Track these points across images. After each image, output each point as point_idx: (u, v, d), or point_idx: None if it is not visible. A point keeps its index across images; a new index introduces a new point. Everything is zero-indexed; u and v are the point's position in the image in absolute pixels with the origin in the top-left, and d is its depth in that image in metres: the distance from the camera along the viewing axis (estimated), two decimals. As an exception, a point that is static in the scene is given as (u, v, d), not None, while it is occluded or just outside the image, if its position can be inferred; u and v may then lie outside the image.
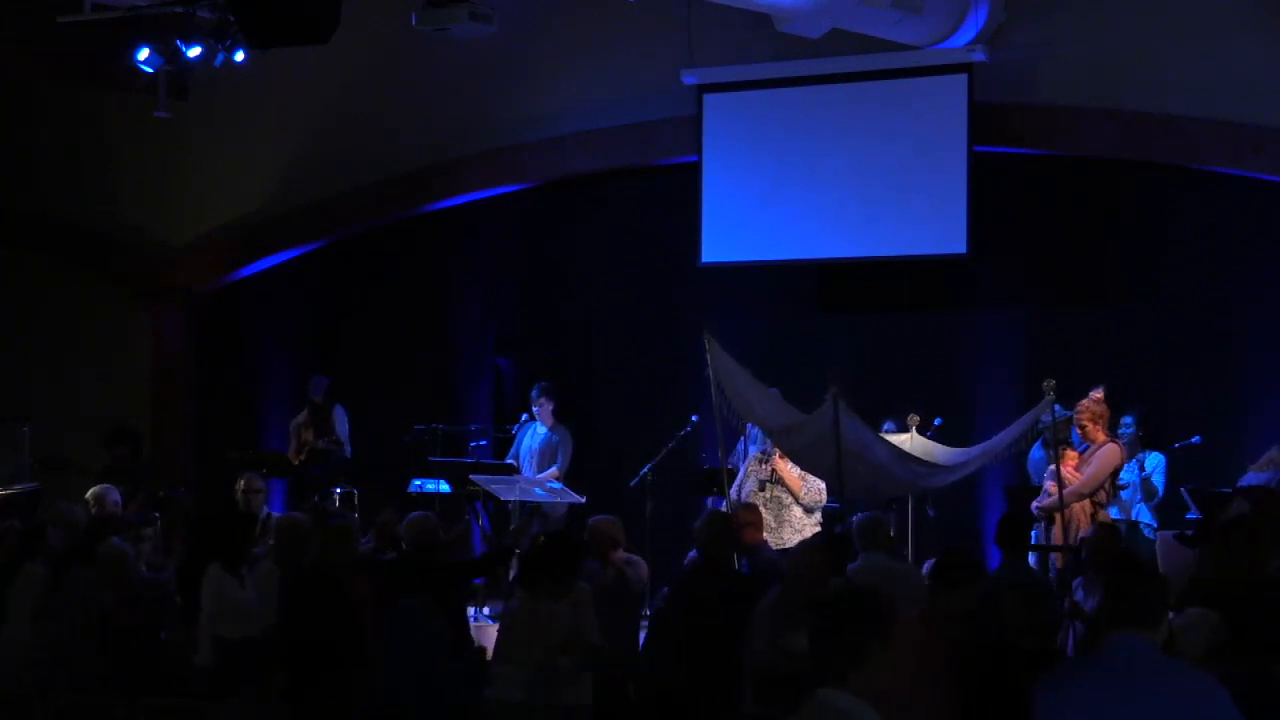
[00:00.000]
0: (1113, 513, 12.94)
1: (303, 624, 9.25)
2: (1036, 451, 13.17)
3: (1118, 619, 5.20)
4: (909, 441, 12.47)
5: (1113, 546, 10.41)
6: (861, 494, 12.19)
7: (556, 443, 15.00)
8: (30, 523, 12.12)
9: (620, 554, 10.65)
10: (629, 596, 10.56)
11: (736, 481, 13.13)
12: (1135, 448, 13.08)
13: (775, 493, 13.02)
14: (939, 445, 12.66)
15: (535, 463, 15.01)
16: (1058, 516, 12.14)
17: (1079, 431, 12.74)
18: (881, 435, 12.13)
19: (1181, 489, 12.95)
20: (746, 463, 13.26)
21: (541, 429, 15.09)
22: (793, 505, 12.87)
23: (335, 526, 9.78)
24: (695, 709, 9.06)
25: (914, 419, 12.81)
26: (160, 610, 10.36)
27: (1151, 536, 12.95)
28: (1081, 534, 12.08)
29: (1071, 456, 12.64)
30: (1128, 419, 13.10)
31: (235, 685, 9.22)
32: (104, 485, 13.09)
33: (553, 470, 14.88)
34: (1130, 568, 5.43)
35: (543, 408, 15.04)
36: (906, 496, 12.89)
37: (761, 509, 12.79)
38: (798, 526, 12.86)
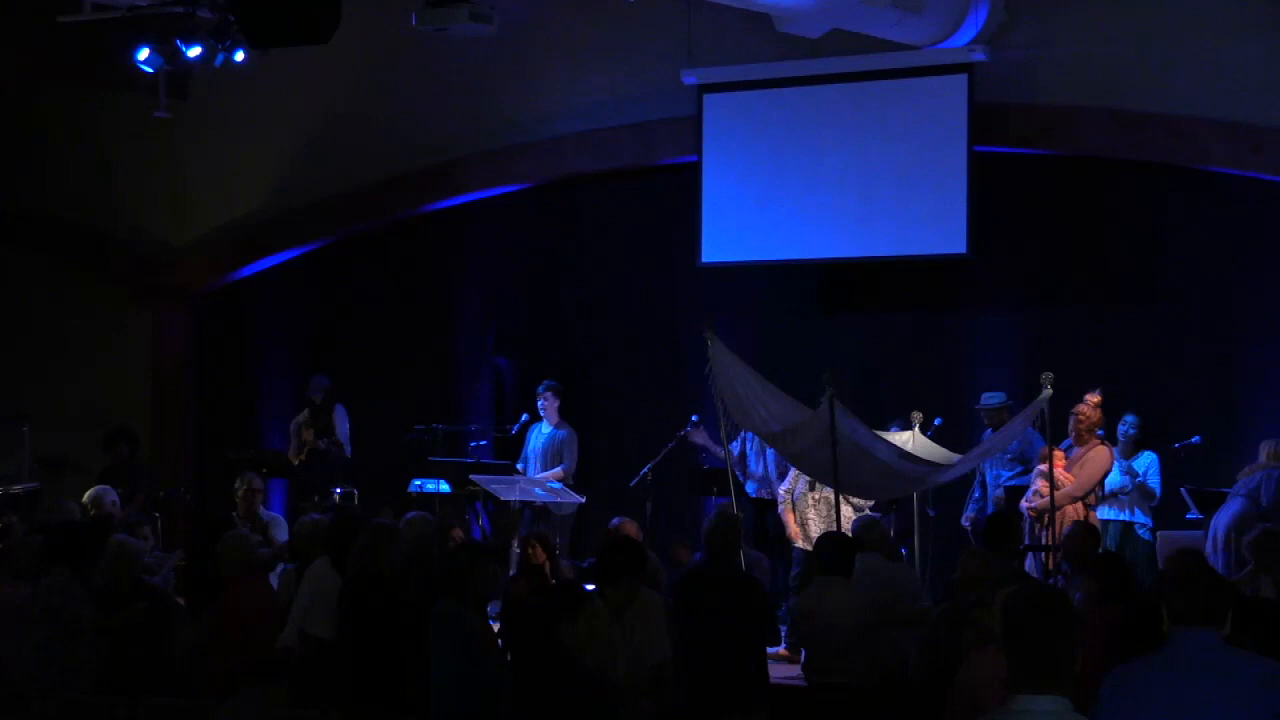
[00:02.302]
0: (1109, 513, 12.96)
1: (351, 630, 9.21)
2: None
3: (1184, 616, 5.52)
4: (911, 441, 12.45)
5: (1090, 544, 10.48)
6: (860, 495, 12.19)
7: (562, 441, 14.99)
8: (36, 524, 12.14)
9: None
10: None
11: (786, 482, 13.15)
12: (1130, 448, 13.07)
13: (825, 492, 13.04)
14: (940, 449, 12.64)
15: (541, 462, 15.02)
16: (1047, 517, 12.16)
17: (1073, 436, 12.75)
18: (880, 435, 12.10)
19: (1181, 489, 12.98)
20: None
21: (546, 428, 15.09)
22: (843, 504, 12.89)
23: (379, 527, 9.70)
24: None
25: (917, 416, 12.78)
26: (162, 610, 10.35)
27: (1147, 537, 12.97)
28: None
29: (1059, 457, 12.63)
30: (1130, 418, 13.08)
31: (309, 681, 9.13)
32: (101, 486, 13.10)
33: (557, 470, 14.88)
34: (1195, 570, 5.71)
35: (548, 404, 15.04)
36: (906, 496, 12.89)
37: (811, 509, 12.83)
38: (846, 526, 12.90)
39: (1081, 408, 12.71)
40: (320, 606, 9.55)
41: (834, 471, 11.10)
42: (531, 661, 7.76)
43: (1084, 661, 4.68)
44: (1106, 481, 12.83)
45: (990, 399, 13.47)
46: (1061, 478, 12.34)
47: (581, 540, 14.69)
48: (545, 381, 15.18)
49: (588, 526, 14.59)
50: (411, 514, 10.94)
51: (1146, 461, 13.06)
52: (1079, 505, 12.53)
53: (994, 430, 13.15)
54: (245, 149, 17.41)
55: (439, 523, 11.34)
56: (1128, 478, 12.90)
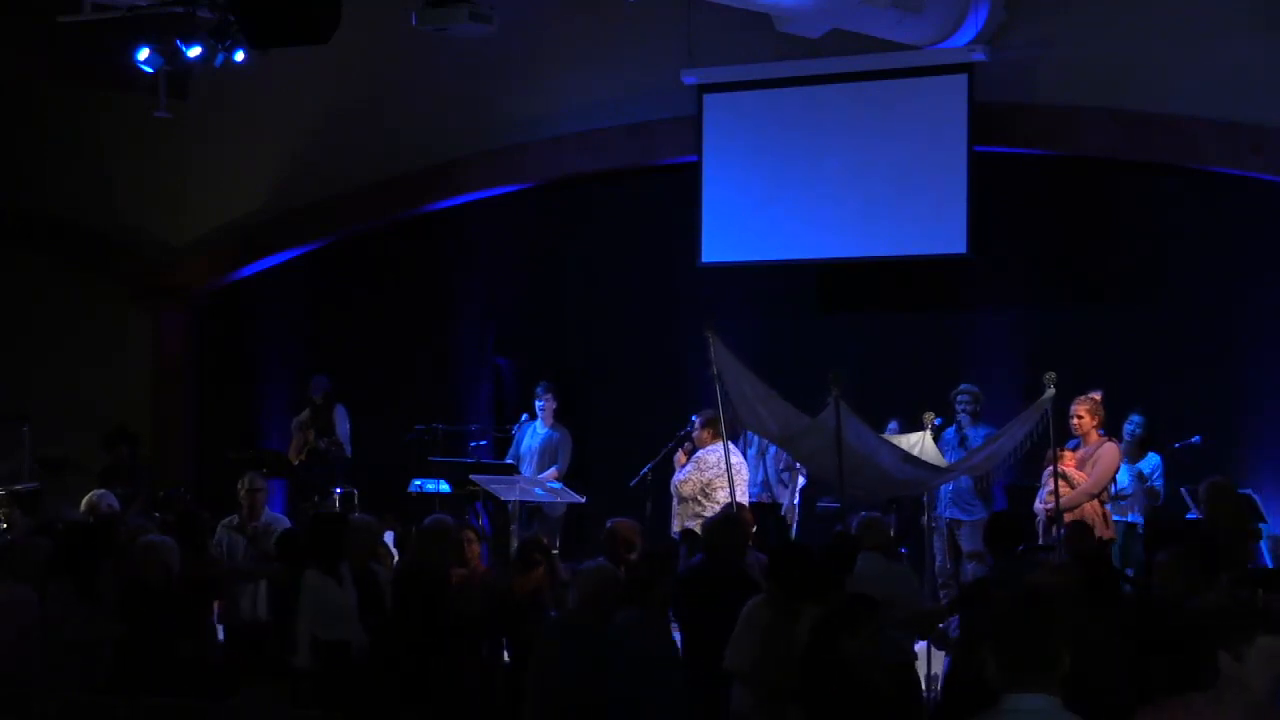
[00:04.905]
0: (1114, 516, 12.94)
1: (392, 635, 9.18)
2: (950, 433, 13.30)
3: None
4: (921, 444, 12.37)
5: (1087, 542, 10.46)
6: (863, 496, 12.17)
7: (557, 442, 15.02)
8: (40, 525, 12.13)
9: (635, 556, 10.68)
10: None
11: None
12: (1136, 449, 13.05)
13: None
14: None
15: (535, 462, 15.03)
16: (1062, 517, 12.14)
17: (1073, 425, 12.73)
18: (885, 437, 12.09)
19: (1182, 489, 12.96)
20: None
21: (542, 428, 15.11)
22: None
23: (430, 529, 9.60)
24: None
25: (929, 417, 12.69)
26: (166, 610, 10.33)
27: None
28: (1098, 534, 12.10)
29: (1068, 456, 12.60)
30: (1136, 417, 13.06)
31: (336, 686, 9.11)
32: (98, 491, 13.07)
33: (553, 470, 14.89)
34: None
35: (546, 405, 15.08)
36: (906, 497, 12.88)
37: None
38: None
39: (1081, 398, 12.68)
40: (325, 613, 9.55)
41: (839, 474, 11.09)
42: (815, 672, 7.65)
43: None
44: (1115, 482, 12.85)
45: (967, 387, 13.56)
46: (1076, 476, 12.34)
47: (573, 541, 14.69)
48: (544, 382, 15.21)
49: (585, 527, 14.58)
50: (432, 516, 10.90)
51: (1153, 464, 13.04)
52: (1096, 503, 12.50)
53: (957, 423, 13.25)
54: (245, 149, 17.42)
55: (461, 524, 11.30)
56: (1136, 481, 12.88)
